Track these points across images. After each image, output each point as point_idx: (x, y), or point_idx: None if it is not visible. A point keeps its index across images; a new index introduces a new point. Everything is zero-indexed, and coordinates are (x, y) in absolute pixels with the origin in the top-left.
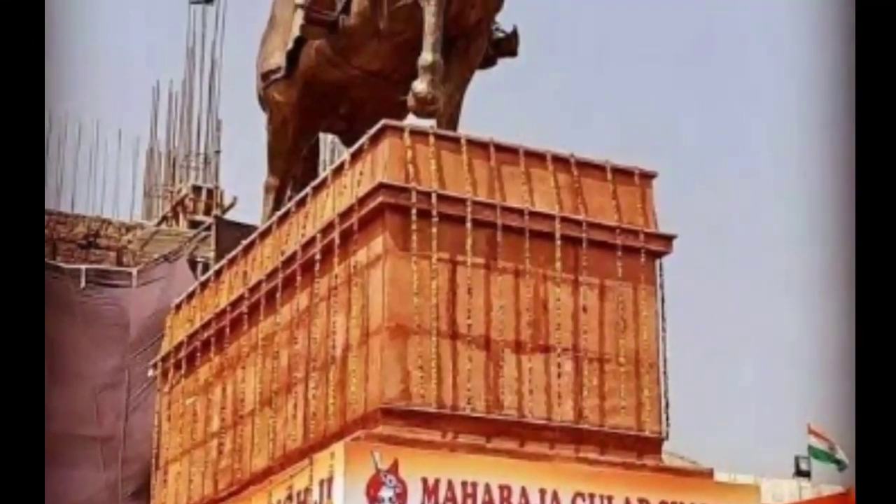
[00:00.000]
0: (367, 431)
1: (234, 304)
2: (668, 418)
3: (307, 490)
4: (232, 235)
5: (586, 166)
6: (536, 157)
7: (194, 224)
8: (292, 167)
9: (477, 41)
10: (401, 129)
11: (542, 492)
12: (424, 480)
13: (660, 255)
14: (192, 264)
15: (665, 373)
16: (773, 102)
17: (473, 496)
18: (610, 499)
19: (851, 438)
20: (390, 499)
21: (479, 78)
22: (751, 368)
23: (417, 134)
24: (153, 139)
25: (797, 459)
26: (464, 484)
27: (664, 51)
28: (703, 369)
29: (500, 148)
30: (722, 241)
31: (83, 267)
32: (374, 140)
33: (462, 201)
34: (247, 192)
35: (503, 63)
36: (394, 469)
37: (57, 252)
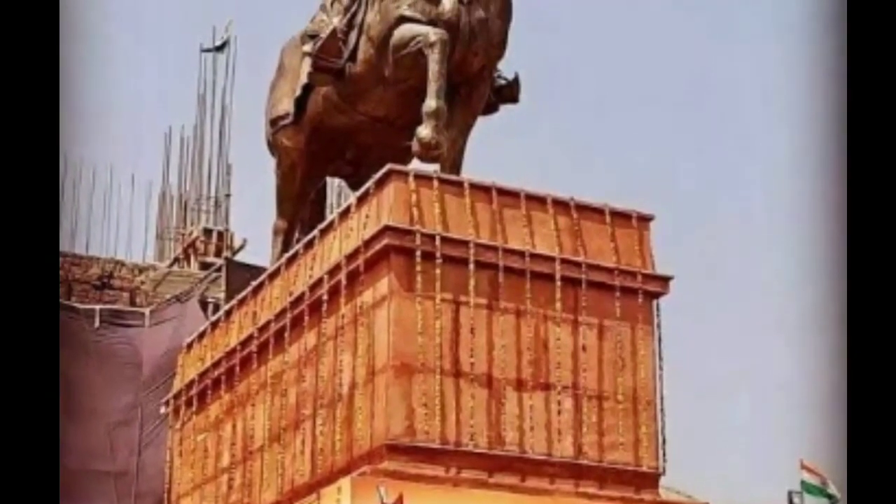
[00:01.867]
0: (373, 467)
1: (244, 344)
2: (664, 454)
3: None
4: (242, 276)
5: (586, 209)
6: (537, 200)
7: (205, 265)
8: (300, 210)
9: (479, 88)
10: (405, 174)
11: None
12: None
13: (657, 295)
14: (203, 304)
15: (662, 410)
16: (767, 148)
17: None
18: None
19: (843, 473)
20: None
21: (482, 124)
22: (745, 405)
23: (422, 178)
24: (165, 183)
25: (790, 494)
26: None
27: (661, 97)
28: (698, 406)
29: (502, 192)
30: (717, 282)
31: (97, 307)
32: (380, 184)
33: (465, 243)
34: (256, 235)
35: (505, 109)
36: (399, 503)
37: (72, 293)
